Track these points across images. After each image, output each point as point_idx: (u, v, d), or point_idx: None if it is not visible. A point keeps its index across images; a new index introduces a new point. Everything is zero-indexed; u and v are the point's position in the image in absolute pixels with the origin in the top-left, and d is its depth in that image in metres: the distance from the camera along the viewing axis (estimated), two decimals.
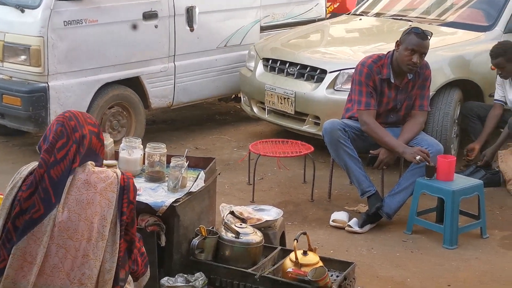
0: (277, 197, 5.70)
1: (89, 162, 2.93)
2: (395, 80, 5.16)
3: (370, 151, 5.16)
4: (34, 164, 2.92)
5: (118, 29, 6.29)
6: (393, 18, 7.33)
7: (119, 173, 2.96)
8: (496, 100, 6.07)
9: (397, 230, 5.12)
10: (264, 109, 6.80)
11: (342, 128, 5.10)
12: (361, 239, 5.00)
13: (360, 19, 7.60)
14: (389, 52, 5.21)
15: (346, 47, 6.93)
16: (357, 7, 8.12)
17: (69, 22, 5.94)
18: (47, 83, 5.91)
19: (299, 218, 5.32)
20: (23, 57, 5.93)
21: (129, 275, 3.03)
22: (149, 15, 6.48)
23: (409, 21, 7.03)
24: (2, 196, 3.88)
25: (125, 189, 2.93)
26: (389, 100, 5.22)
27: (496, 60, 5.88)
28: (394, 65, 5.14)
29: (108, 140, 4.04)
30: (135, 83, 6.58)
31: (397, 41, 5.11)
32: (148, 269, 3.20)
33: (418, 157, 4.92)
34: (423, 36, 5.04)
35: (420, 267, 4.59)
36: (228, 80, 7.37)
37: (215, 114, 8.28)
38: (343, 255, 4.58)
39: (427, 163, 4.91)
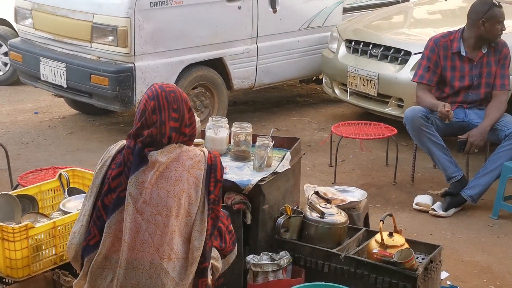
0: (359, 180, 5.67)
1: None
2: (467, 53, 5.14)
3: (458, 136, 5.08)
4: (122, 143, 2.98)
5: (202, 10, 6.35)
6: None
7: (206, 152, 3.00)
8: None
9: (483, 215, 5.03)
10: (346, 91, 6.76)
11: (424, 115, 5.05)
12: (445, 223, 4.93)
13: (446, 0, 7.45)
14: (460, 27, 5.24)
15: (431, 28, 6.80)
16: None
17: (155, 3, 6.04)
18: (134, 63, 6.03)
19: (381, 200, 5.29)
20: (110, 38, 6.05)
21: (217, 252, 3.07)
22: None
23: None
24: (91, 173, 4.02)
25: (212, 168, 2.96)
26: (463, 75, 5.16)
27: None
28: (467, 39, 5.15)
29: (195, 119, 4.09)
30: (218, 64, 6.64)
31: (482, 20, 5.05)
32: (236, 246, 3.23)
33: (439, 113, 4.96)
34: (500, 5, 5.14)
35: (507, 252, 4.50)
36: (309, 62, 7.36)
37: (295, 96, 8.29)
38: (426, 238, 4.53)
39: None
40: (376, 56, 6.48)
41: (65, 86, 6.38)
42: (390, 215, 3.73)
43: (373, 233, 3.82)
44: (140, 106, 2.93)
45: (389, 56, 6.38)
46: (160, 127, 2.88)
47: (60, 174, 3.97)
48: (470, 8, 5.19)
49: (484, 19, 5.05)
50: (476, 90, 5.19)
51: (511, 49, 5.28)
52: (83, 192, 3.85)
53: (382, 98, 6.39)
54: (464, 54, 5.15)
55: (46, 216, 3.72)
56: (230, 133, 4.09)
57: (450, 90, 5.19)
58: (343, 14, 7.54)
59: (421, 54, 5.57)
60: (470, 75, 5.16)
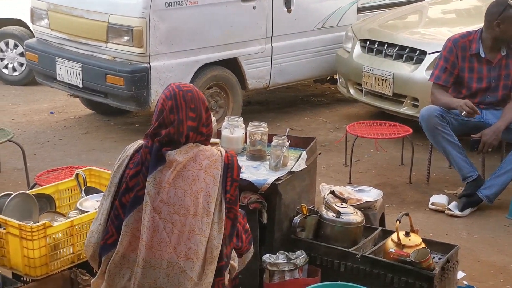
0: (374, 179, 5.66)
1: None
2: (486, 55, 5.11)
3: (472, 135, 5.06)
4: (139, 142, 2.99)
5: (217, 10, 6.36)
6: None
7: (223, 151, 3.00)
8: None
9: (499, 215, 5.02)
10: (361, 90, 6.76)
11: (440, 115, 5.03)
12: (461, 223, 4.92)
13: None
14: (480, 28, 5.18)
15: (446, 28, 6.79)
16: None
17: (170, 3, 6.05)
18: (149, 63, 6.05)
19: (397, 200, 5.29)
20: (126, 38, 6.08)
21: (234, 251, 3.08)
22: None
23: None
24: (108, 172, 4.04)
25: (229, 167, 2.96)
26: (481, 76, 5.13)
27: None
28: (485, 41, 5.10)
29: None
30: (233, 64, 6.65)
31: (497, 21, 5.01)
32: (252, 246, 3.24)
33: (464, 113, 4.91)
34: None
35: None
36: (324, 62, 7.35)
37: (310, 95, 8.28)
38: (442, 238, 4.50)
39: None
40: (391, 56, 6.47)
41: (80, 86, 6.41)
42: (407, 214, 3.72)
43: (389, 232, 3.81)
44: (157, 106, 2.94)
45: (404, 56, 6.37)
46: (178, 126, 2.89)
47: (77, 174, 3.99)
48: (486, 9, 5.16)
49: (499, 20, 5.01)
50: (493, 92, 5.17)
51: None
52: (100, 192, 3.87)
53: (397, 98, 6.39)
54: (483, 55, 5.11)
55: (63, 215, 3.74)
56: (246, 133, 4.09)
57: (467, 92, 5.16)
58: (357, 13, 7.53)
59: (436, 54, 5.57)
60: (488, 77, 5.13)
